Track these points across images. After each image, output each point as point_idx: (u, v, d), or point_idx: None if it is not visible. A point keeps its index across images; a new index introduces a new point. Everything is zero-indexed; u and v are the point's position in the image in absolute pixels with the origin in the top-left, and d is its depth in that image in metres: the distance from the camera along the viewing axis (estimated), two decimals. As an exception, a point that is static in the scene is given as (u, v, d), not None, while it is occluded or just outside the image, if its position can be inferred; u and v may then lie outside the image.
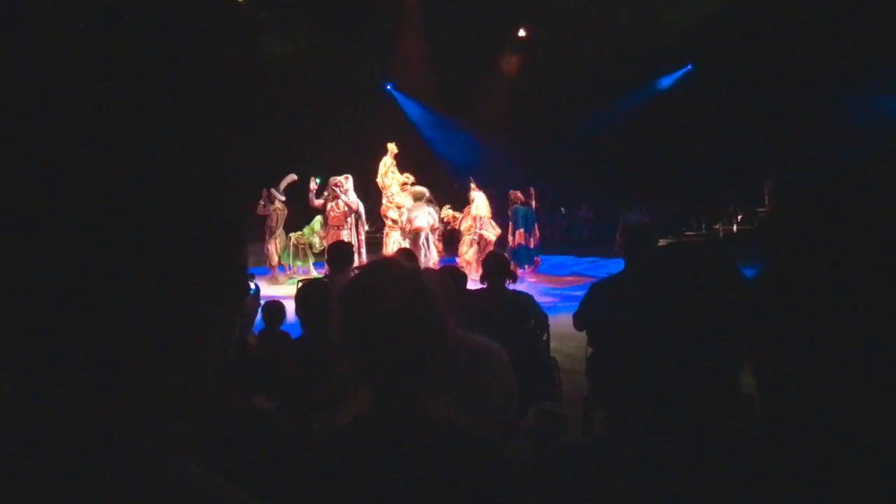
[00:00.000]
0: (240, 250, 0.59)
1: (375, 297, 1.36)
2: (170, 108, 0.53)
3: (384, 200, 13.55)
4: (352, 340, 1.39)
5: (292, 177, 13.67)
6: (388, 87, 22.57)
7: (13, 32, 0.51)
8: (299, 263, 13.82)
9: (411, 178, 13.50)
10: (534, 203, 14.60)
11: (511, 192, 14.49)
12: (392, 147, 13.63)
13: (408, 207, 12.91)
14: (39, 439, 0.49)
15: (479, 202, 13.64)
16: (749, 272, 1.13)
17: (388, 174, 13.52)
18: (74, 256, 0.48)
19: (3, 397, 0.50)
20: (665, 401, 1.09)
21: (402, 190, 13.40)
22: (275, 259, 13.63)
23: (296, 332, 3.98)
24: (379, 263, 1.52)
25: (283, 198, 13.66)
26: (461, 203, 14.31)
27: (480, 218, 13.49)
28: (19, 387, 0.51)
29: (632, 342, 1.14)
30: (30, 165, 0.48)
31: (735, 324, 1.06)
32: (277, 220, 13.59)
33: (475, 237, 13.47)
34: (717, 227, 18.58)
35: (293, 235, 13.87)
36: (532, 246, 14.06)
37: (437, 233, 13.28)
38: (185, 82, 0.55)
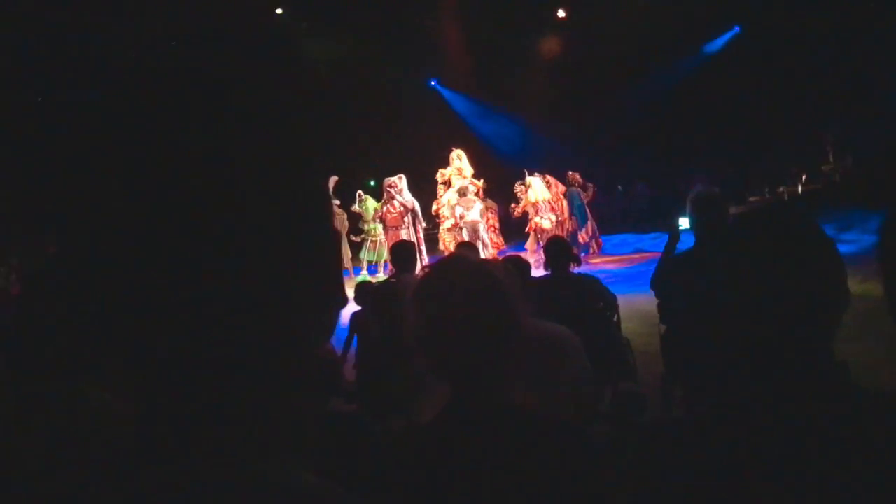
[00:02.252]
0: (339, 259, 0.61)
1: (449, 293, 1.38)
2: (265, 116, 0.56)
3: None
4: (428, 338, 1.40)
5: (334, 178, 13.76)
6: (433, 82, 22.55)
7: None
8: (372, 258, 13.89)
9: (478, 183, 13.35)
10: (585, 196, 14.03)
11: (570, 173, 14.15)
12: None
13: (456, 203, 12.83)
14: (156, 452, 0.51)
15: (537, 187, 13.23)
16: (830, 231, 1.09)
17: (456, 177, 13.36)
18: (189, 262, 0.50)
19: (121, 406, 0.52)
20: (756, 373, 1.05)
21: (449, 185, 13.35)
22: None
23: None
24: (448, 260, 1.53)
25: (338, 201, 13.72)
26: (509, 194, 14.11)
27: (537, 203, 13.21)
28: (136, 396, 0.52)
29: (715, 314, 1.11)
30: (144, 178, 0.51)
31: (826, 287, 1.03)
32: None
33: (532, 225, 13.19)
34: (780, 189, 17.90)
35: (368, 237, 13.98)
36: (581, 241, 13.58)
37: (489, 224, 13.16)
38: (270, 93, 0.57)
